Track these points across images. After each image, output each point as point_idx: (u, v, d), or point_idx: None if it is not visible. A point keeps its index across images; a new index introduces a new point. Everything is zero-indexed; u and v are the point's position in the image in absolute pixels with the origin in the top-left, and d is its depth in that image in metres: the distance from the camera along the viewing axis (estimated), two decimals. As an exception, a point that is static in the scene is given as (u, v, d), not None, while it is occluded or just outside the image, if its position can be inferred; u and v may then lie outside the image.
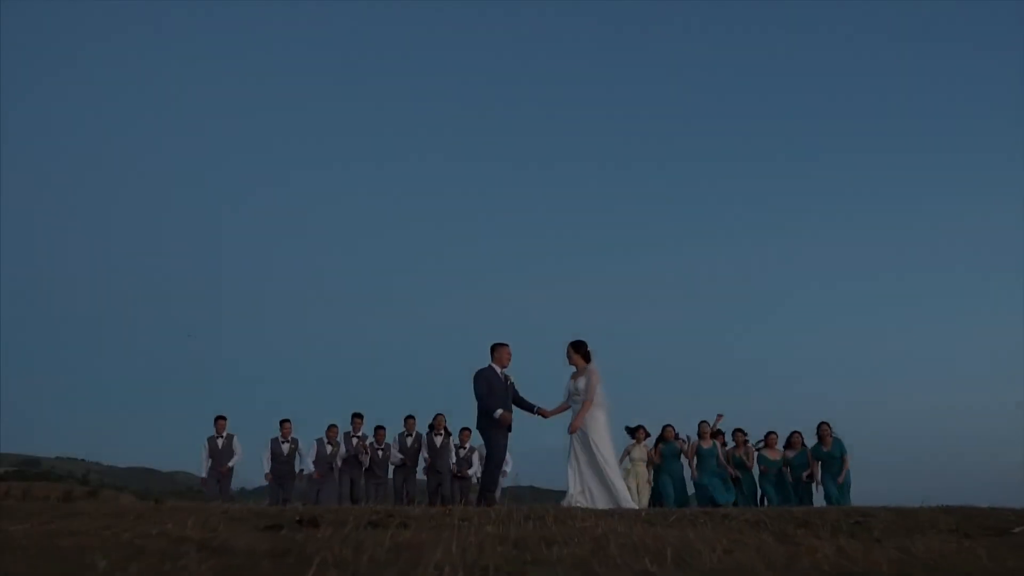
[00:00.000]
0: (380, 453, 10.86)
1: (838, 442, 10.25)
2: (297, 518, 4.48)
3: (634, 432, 10.63)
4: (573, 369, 7.56)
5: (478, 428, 7.53)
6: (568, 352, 7.45)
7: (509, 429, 7.48)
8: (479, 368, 7.48)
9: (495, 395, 7.37)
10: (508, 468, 10.47)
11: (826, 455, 10.28)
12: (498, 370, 7.49)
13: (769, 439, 10.78)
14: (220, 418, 11.07)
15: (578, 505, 6.56)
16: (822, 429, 10.41)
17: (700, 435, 10.67)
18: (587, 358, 7.42)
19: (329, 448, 10.77)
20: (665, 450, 10.64)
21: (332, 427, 11.01)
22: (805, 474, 10.23)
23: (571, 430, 7.17)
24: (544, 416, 7.58)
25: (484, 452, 10.72)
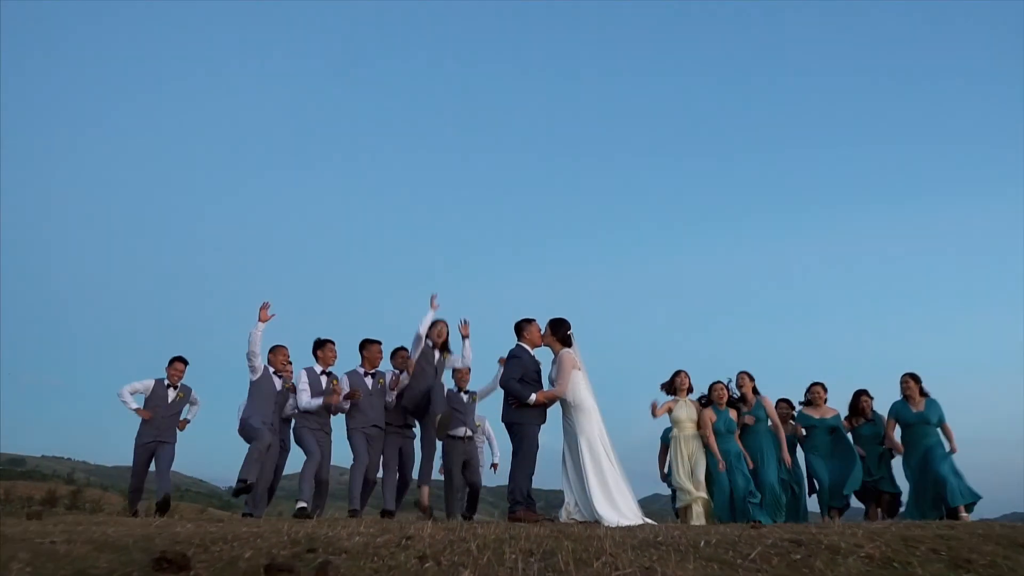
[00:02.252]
0: (370, 380, 6.88)
1: (934, 404, 6.92)
2: (159, 555, 2.77)
3: (672, 383, 7.33)
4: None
5: (504, 421, 5.97)
6: (544, 332, 6.13)
7: (543, 421, 6.00)
8: (510, 350, 6.12)
9: (528, 382, 5.95)
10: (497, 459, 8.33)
11: (917, 419, 6.87)
12: (530, 351, 6.08)
13: (814, 392, 7.42)
14: (178, 360, 7.50)
15: (575, 519, 5.51)
16: (907, 384, 7.02)
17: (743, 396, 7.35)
18: (565, 342, 6.03)
19: (278, 382, 6.79)
20: (721, 421, 7.15)
21: (278, 349, 6.90)
22: (889, 448, 7.04)
23: (512, 403, 5.82)
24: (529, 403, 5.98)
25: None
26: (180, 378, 7.47)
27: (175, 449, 7.36)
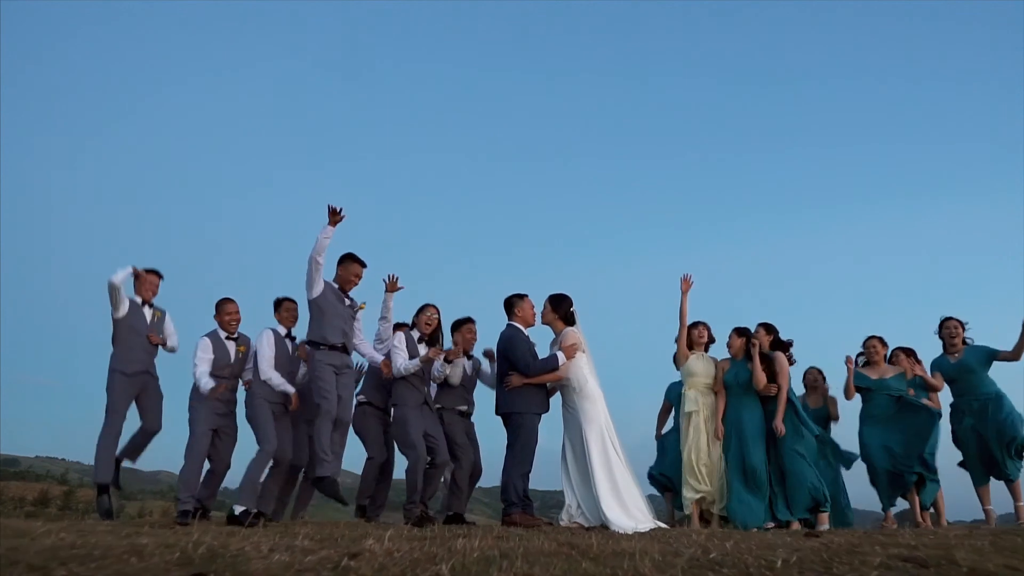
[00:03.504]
0: (290, 343, 5.38)
1: (975, 349, 5.74)
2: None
3: (688, 338, 5.86)
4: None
5: (500, 412, 5.10)
6: (544, 309, 5.30)
7: (545, 410, 5.13)
8: (501, 331, 5.25)
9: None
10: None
11: (957, 369, 5.72)
12: (524, 331, 5.25)
13: (869, 346, 5.92)
14: (150, 272, 5.63)
15: (577, 524, 4.71)
16: (947, 329, 5.86)
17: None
18: (568, 319, 5.24)
19: (231, 348, 5.34)
20: (732, 373, 5.67)
21: (227, 303, 5.43)
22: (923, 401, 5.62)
23: (507, 385, 5.03)
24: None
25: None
26: (155, 293, 5.61)
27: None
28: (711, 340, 5.90)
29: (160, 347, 5.56)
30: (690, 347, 5.88)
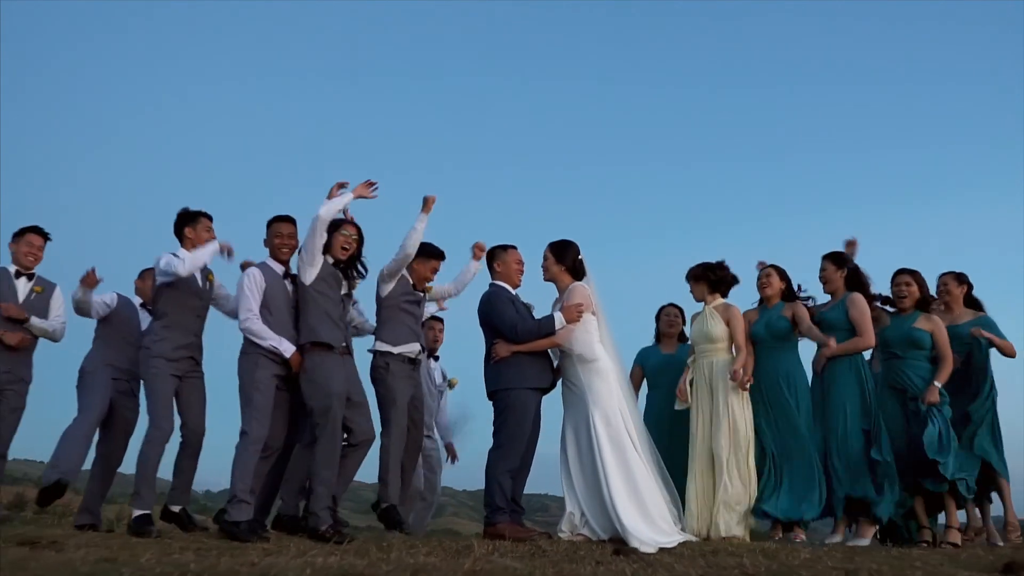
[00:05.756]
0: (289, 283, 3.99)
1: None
2: None
3: (700, 282, 4.45)
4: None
5: (490, 390, 4.05)
6: (546, 260, 4.23)
7: (546, 386, 4.07)
8: (484, 293, 4.20)
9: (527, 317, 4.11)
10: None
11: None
12: (510, 291, 4.16)
13: (943, 285, 4.59)
14: (30, 231, 4.38)
15: (582, 536, 3.80)
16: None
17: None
18: (576, 272, 4.17)
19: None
20: (762, 322, 4.37)
21: (146, 273, 4.63)
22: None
23: (493, 356, 3.98)
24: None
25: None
26: (36, 260, 4.39)
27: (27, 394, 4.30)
28: (730, 279, 4.45)
29: (30, 330, 4.28)
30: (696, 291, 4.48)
